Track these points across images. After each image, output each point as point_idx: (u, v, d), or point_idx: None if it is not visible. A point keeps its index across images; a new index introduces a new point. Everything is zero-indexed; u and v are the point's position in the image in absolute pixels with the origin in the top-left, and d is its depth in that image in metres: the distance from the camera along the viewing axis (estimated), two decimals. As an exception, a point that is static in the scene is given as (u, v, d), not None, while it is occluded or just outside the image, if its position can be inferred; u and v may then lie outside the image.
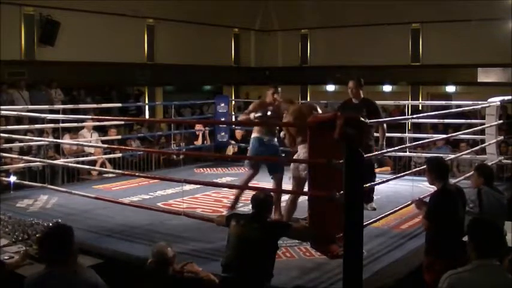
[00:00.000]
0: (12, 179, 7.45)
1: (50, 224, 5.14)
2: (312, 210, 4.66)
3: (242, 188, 6.22)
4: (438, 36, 15.21)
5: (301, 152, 5.43)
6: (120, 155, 9.38)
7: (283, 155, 6.83)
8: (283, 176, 6.17)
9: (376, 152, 6.02)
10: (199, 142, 10.24)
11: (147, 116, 14.80)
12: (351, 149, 4.01)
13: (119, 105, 12.06)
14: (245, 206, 6.46)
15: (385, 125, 6.66)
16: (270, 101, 6.27)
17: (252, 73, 17.69)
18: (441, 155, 6.72)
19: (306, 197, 4.96)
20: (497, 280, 2.70)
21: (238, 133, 10.50)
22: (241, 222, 4.06)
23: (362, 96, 6.26)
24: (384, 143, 6.62)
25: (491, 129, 8.15)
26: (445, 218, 4.20)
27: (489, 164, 8.19)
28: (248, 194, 6.69)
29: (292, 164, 5.62)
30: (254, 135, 6.36)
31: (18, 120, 10.04)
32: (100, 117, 9.80)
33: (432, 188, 4.51)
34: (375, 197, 6.64)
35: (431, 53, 15.41)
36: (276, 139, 6.33)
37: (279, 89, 6.23)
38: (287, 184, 6.20)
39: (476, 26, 14.13)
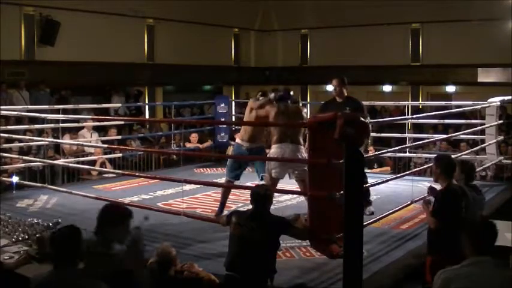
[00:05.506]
0: (15, 179, 7.45)
1: (50, 224, 5.16)
2: (312, 210, 4.66)
3: (236, 187, 6.24)
4: (438, 36, 15.18)
5: (272, 151, 5.56)
6: (120, 155, 9.38)
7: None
8: None
9: (372, 153, 6.02)
10: (208, 143, 10.39)
11: (147, 116, 14.79)
12: (351, 149, 4.01)
13: (119, 105, 12.05)
14: (245, 207, 6.47)
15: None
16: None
17: (252, 73, 17.67)
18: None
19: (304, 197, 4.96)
20: (491, 274, 2.81)
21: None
22: (241, 221, 4.03)
23: (346, 94, 6.25)
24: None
25: (491, 129, 8.16)
26: (451, 216, 4.21)
27: (488, 164, 8.25)
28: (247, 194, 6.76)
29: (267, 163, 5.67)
30: (236, 140, 6.31)
31: (18, 120, 10.03)
32: (100, 117, 9.79)
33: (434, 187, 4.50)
34: (375, 197, 6.62)
35: (431, 53, 15.39)
36: (259, 143, 6.11)
37: None
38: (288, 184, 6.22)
39: (476, 26, 14.11)
